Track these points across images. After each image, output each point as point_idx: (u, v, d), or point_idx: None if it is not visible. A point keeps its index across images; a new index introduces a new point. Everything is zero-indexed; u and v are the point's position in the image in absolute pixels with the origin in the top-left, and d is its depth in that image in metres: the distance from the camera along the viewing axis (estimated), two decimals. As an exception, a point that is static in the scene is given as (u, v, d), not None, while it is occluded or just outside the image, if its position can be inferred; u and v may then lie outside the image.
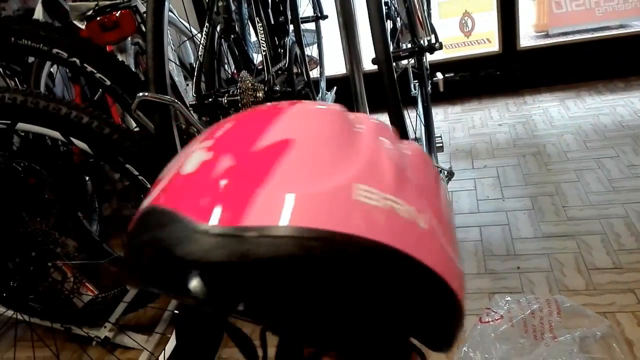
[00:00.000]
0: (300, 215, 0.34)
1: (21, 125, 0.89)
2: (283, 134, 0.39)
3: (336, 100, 2.03)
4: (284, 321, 0.42)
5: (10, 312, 1.14)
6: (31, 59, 1.52)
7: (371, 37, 1.00)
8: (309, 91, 1.57)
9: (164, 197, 0.39)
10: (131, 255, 0.40)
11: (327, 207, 0.35)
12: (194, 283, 0.35)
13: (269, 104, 0.47)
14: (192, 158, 0.40)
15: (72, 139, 0.89)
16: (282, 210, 0.34)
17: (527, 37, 3.07)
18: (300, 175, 0.36)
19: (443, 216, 0.42)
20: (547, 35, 3.14)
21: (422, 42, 1.41)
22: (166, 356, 1.01)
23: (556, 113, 2.17)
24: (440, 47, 1.30)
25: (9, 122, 0.89)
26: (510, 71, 2.48)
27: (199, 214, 0.35)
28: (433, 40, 1.40)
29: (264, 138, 0.39)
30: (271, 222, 0.33)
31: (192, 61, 1.92)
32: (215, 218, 0.34)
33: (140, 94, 0.80)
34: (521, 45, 2.47)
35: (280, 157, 0.37)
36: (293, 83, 1.34)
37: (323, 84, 2.03)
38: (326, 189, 0.36)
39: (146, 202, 0.41)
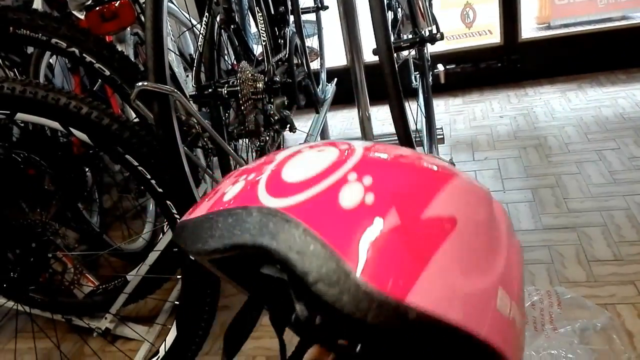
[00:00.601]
0: (454, 309, 0.36)
1: (20, 116, 0.88)
2: (448, 210, 0.39)
3: (337, 92, 2.02)
4: None
5: (10, 303, 1.14)
6: (30, 50, 1.51)
7: (372, 27, 0.99)
8: (310, 82, 1.56)
9: (309, 218, 0.36)
10: (218, 234, 0.39)
11: (476, 308, 0.38)
12: (304, 312, 0.39)
13: (421, 157, 0.45)
14: (348, 189, 0.37)
15: (71, 129, 0.88)
16: (440, 299, 0.35)
17: (529, 29, 3.05)
18: (458, 263, 0.37)
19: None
20: (549, 27, 3.13)
21: (423, 32, 1.40)
22: (167, 347, 1.01)
23: (557, 105, 2.16)
24: (442, 38, 1.29)
25: (8, 112, 0.88)
26: (512, 63, 2.47)
27: (365, 271, 0.34)
28: (434, 31, 1.39)
29: (430, 207, 0.38)
30: (430, 308, 0.34)
31: (192, 52, 1.91)
32: (382, 284, 0.33)
33: (140, 83, 0.79)
34: (523, 37, 2.46)
35: (445, 237, 0.37)
36: (293, 74, 1.34)
37: (323, 75, 2.02)
38: (478, 289, 0.38)
39: (268, 201, 0.38)
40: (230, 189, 0.42)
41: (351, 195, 0.37)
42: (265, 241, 0.36)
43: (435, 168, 0.43)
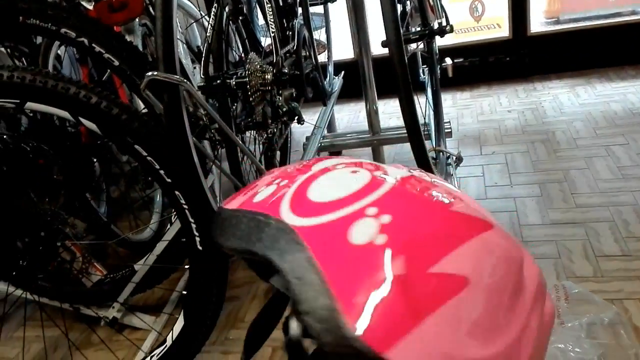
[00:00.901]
0: None
1: (30, 105, 0.89)
2: (463, 268, 0.36)
3: (344, 85, 2.01)
4: None
5: (19, 292, 1.15)
6: (39, 41, 1.51)
7: (382, 19, 0.99)
8: (317, 75, 1.55)
9: (316, 245, 0.35)
10: (239, 235, 0.39)
11: None
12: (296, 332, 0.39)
13: (458, 201, 0.41)
14: (362, 225, 0.36)
15: (80, 119, 0.89)
16: None
17: (538, 23, 3.03)
18: (457, 328, 0.34)
19: None
20: (558, 21, 3.10)
21: (432, 25, 1.39)
22: (174, 336, 1.02)
23: (566, 100, 2.15)
24: (451, 30, 1.28)
25: (18, 101, 0.88)
26: (520, 57, 2.45)
27: (353, 315, 0.33)
28: (444, 23, 1.39)
29: (443, 262, 0.36)
30: None
31: (199, 44, 1.91)
32: (367, 333, 0.32)
33: (150, 73, 0.79)
34: (531, 31, 2.45)
35: (449, 297, 0.35)
36: (301, 66, 1.33)
37: (331, 68, 2.01)
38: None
39: (288, 216, 0.38)
40: (263, 191, 0.42)
41: (363, 232, 0.36)
42: (273, 256, 0.36)
43: (468, 217, 0.40)
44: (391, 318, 0.33)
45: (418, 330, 0.33)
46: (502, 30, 2.64)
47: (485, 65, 2.49)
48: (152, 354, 1.04)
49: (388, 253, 0.35)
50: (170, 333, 1.03)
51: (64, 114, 0.88)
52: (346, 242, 0.35)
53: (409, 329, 0.33)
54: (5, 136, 1.22)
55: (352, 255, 0.35)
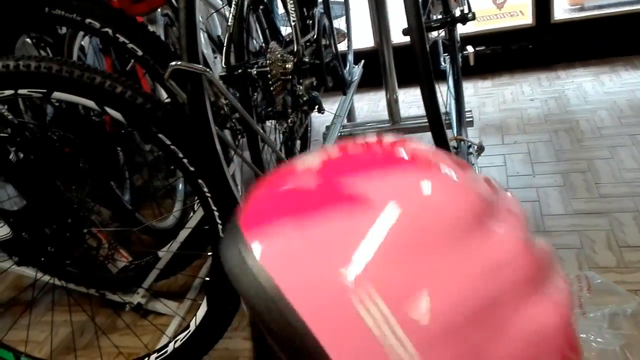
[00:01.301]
0: (285, 280, 0.31)
1: (56, 95, 0.90)
2: (371, 192, 0.33)
3: (364, 74, 2.00)
4: None
5: (47, 277, 1.18)
6: (63, 31, 1.53)
7: (403, 5, 0.98)
8: (337, 64, 1.55)
9: (274, 174, 0.39)
10: None
11: (320, 299, 0.31)
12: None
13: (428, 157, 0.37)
14: (313, 155, 0.38)
15: (106, 108, 0.90)
16: (277, 258, 0.32)
17: (562, 10, 2.97)
18: (329, 240, 0.32)
19: None
20: (583, 8, 3.03)
21: (454, 12, 1.38)
22: (197, 322, 1.04)
23: (590, 88, 2.11)
24: (474, 18, 1.27)
25: (45, 91, 0.90)
26: (544, 45, 2.41)
27: (246, 221, 0.35)
28: (466, 10, 1.37)
29: (354, 180, 0.34)
30: (265, 262, 0.32)
31: (220, 34, 1.92)
32: (243, 217, 0.35)
33: (173, 63, 0.80)
34: (555, 18, 2.40)
35: (335, 209, 0.33)
36: (322, 55, 1.33)
37: (351, 57, 2.00)
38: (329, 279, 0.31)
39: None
40: None
41: (309, 160, 0.38)
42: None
43: (419, 158, 0.37)
44: (263, 207, 0.35)
45: (285, 222, 0.33)
46: (525, 17, 2.59)
47: (507, 53, 2.45)
48: (176, 338, 1.06)
49: (309, 170, 0.37)
50: (194, 318, 1.05)
51: (90, 103, 0.90)
52: (292, 167, 0.38)
53: (275, 218, 0.34)
54: (31, 125, 1.25)
55: (288, 177, 0.38)
